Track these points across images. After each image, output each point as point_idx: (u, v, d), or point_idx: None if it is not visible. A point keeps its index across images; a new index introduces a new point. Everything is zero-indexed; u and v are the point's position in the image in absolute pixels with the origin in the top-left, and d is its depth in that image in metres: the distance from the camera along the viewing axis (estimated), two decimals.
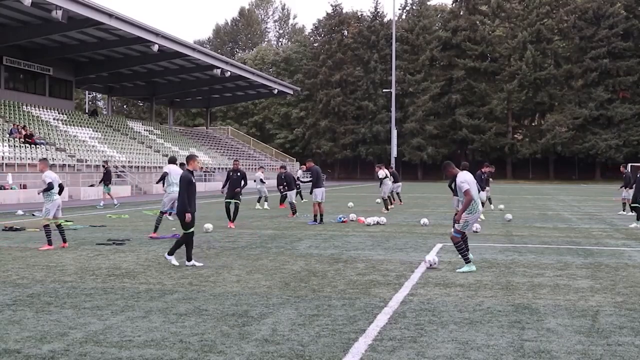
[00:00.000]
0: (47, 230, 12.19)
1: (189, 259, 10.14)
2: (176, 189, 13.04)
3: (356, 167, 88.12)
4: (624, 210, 22.69)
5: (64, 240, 12.44)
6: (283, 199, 24.99)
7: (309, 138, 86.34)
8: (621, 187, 23.08)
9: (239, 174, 17.47)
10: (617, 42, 71.95)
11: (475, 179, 18.11)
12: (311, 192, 18.67)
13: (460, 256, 9.83)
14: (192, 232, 10.22)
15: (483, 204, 19.26)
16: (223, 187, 18.30)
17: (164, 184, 15.46)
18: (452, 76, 79.50)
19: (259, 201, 25.62)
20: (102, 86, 60.85)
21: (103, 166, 28.14)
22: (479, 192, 11.07)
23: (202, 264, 10.14)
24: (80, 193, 32.79)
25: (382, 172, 23.44)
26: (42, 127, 40.30)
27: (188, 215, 9.96)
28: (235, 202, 17.41)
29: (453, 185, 14.09)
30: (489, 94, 78.16)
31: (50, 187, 12.17)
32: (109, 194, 26.08)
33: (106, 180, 26.28)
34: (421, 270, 9.75)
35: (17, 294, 7.83)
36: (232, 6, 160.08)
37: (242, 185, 17.47)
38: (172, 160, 15.86)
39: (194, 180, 10.26)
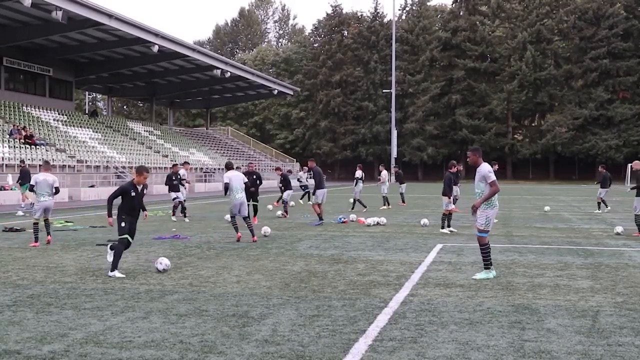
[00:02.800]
0: (34, 229, 13.01)
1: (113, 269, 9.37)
2: (238, 195, 13.64)
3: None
4: (599, 209, 23.68)
5: (48, 234, 13.19)
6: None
7: (309, 138, 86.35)
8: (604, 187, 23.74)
9: (254, 176, 18.05)
10: (617, 43, 71.92)
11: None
12: (314, 194, 18.72)
13: (483, 259, 9.25)
14: (127, 239, 9.52)
15: None
16: None
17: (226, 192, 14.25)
18: (452, 76, 79.49)
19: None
20: (102, 87, 60.90)
21: (20, 166, 26.25)
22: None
23: (123, 276, 9.14)
24: (80, 194, 32.82)
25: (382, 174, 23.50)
26: (42, 128, 40.31)
27: (110, 220, 9.71)
28: (253, 204, 17.79)
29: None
30: (489, 94, 78.16)
31: (30, 188, 13.41)
32: (23, 193, 23.69)
33: (23, 180, 23.41)
34: (421, 271, 9.75)
35: (17, 295, 7.84)
36: (232, 7, 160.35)
37: (257, 185, 18.32)
38: (229, 167, 14.75)
39: (133, 194, 9.65)
